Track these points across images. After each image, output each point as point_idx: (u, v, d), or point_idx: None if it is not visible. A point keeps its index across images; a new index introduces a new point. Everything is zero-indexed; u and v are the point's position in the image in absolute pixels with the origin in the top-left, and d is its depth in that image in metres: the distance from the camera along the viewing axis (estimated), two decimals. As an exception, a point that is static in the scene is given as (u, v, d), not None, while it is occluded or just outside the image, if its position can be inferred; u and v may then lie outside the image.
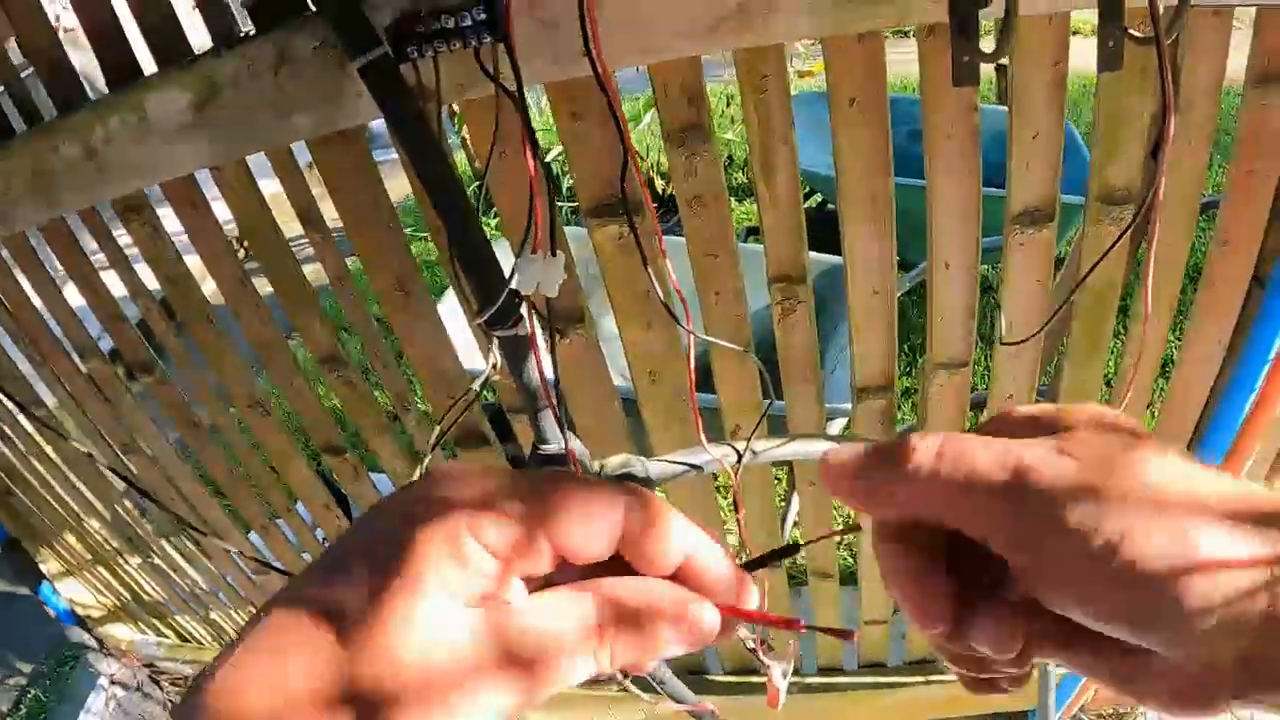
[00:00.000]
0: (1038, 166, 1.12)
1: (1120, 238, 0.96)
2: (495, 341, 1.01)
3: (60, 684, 3.43)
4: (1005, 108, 1.09)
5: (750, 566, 0.44)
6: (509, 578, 0.37)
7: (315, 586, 0.36)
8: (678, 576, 0.41)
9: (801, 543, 0.46)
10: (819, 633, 0.44)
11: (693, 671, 2.17)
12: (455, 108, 4.88)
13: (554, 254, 0.90)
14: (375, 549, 0.37)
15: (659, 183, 5.00)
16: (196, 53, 1.14)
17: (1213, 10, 0.95)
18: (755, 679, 2.16)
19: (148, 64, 1.21)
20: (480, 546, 0.36)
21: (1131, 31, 0.78)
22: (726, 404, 1.45)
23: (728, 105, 6.01)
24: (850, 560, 2.76)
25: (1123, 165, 1.13)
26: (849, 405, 1.49)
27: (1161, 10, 0.73)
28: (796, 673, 2.18)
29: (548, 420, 1.05)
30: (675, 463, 1.20)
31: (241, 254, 1.48)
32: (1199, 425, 1.46)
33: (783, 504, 2.93)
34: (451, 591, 0.35)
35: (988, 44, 0.80)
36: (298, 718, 0.33)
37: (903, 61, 2.31)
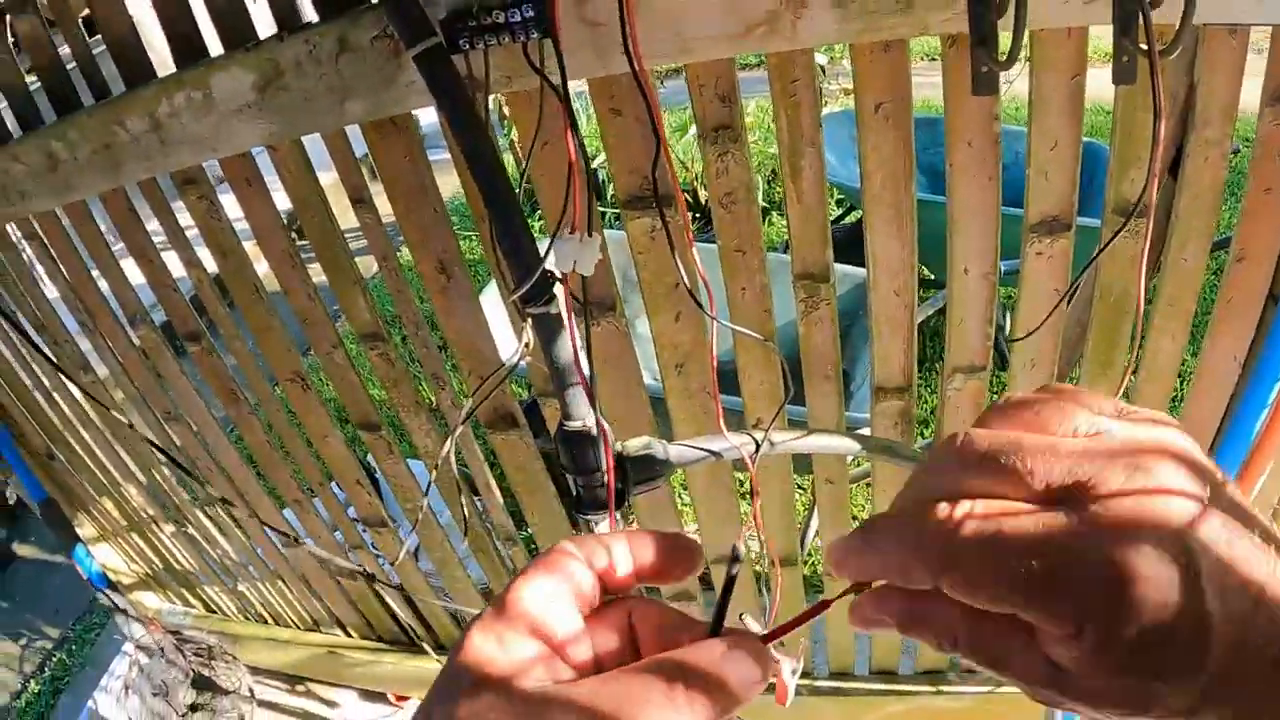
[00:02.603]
0: (1056, 176, 1.17)
1: (1112, 238, 0.99)
2: (529, 320, 1.07)
3: (86, 648, 3.52)
4: (1025, 128, 1.13)
5: (773, 636, 0.44)
6: None
7: None
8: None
9: (830, 599, 0.46)
10: (823, 619, 0.45)
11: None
12: (506, 110, 4.98)
13: (590, 235, 0.96)
14: None
15: (702, 193, 5.06)
16: (261, 37, 1.21)
17: (1228, 30, 0.99)
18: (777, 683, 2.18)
19: (214, 48, 1.28)
20: None
21: (1144, 46, 0.82)
22: (749, 396, 1.50)
23: (772, 120, 6.03)
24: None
25: (1138, 178, 1.16)
26: (869, 416, 1.53)
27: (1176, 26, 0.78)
28: (807, 674, 2.21)
29: (575, 396, 1.11)
30: (694, 448, 1.25)
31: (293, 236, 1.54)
32: (1213, 441, 1.48)
33: (805, 513, 2.96)
34: None
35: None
36: None
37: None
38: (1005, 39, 0.91)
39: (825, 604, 0.45)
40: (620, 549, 0.45)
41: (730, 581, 0.45)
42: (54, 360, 1.79)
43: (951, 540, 0.38)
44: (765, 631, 0.43)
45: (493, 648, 0.41)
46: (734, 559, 0.46)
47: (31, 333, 2.03)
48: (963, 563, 0.38)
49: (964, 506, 0.38)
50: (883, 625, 0.42)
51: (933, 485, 0.41)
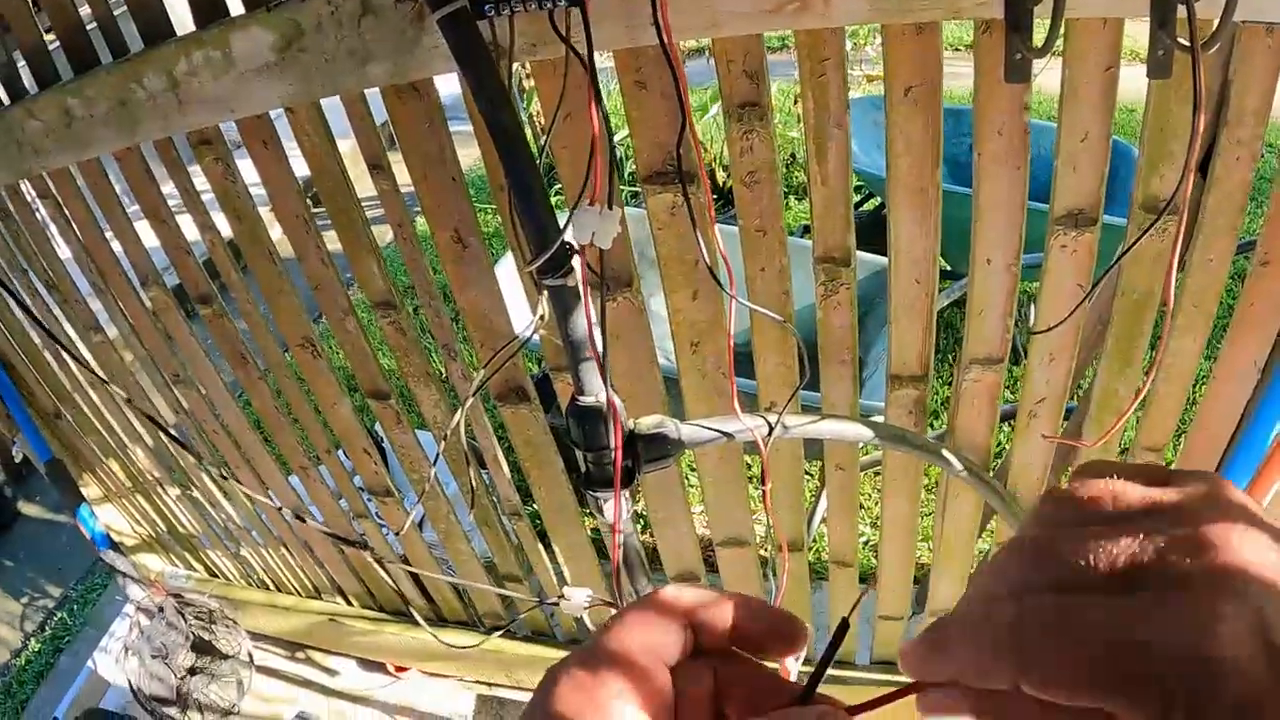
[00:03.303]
0: (1084, 169, 1.15)
1: (1142, 235, 0.98)
2: (545, 292, 1.05)
3: (87, 609, 3.54)
4: (1054, 123, 1.11)
5: (860, 709, 0.42)
6: None
7: None
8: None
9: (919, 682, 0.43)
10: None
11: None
12: (526, 84, 4.99)
13: (610, 208, 0.94)
14: None
15: (720, 174, 5.05)
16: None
17: (1265, 28, 0.97)
18: (768, 664, 2.19)
19: (235, 8, 1.27)
20: None
21: (1181, 40, 0.81)
22: (763, 379, 1.49)
23: (795, 103, 6.02)
24: (872, 560, 2.79)
25: (1168, 175, 1.15)
26: (883, 404, 1.52)
27: (1215, 23, 0.76)
28: (809, 662, 2.21)
29: (588, 372, 1.10)
30: (707, 428, 1.24)
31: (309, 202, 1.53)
32: (1229, 445, 1.47)
33: (813, 499, 2.96)
34: None
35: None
36: None
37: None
38: (1039, 26, 0.90)
39: (917, 685, 0.42)
40: (725, 609, 0.44)
41: (831, 652, 0.44)
42: (48, 330, 1.78)
43: (1024, 638, 0.36)
44: (850, 704, 0.42)
45: (580, 700, 0.40)
46: (842, 630, 0.45)
47: (43, 293, 2.03)
48: (1039, 662, 0.36)
49: (1033, 600, 0.37)
50: (955, 710, 0.41)
51: (996, 584, 0.39)
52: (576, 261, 1.00)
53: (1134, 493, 0.39)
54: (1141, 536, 0.36)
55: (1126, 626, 0.35)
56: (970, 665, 0.38)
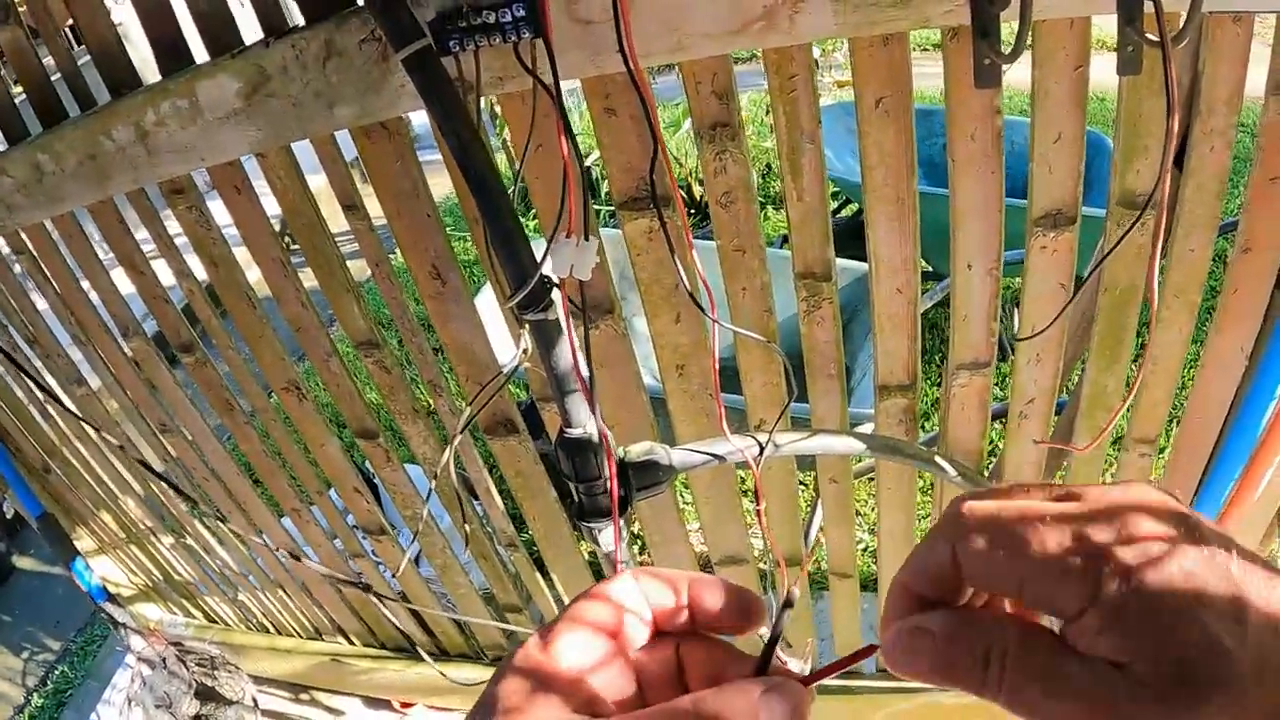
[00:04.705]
0: (1060, 169, 1.14)
1: (1124, 235, 0.97)
2: (526, 326, 1.04)
3: (88, 660, 3.51)
4: (1025, 119, 1.11)
5: (814, 678, 0.44)
6: None
7: None
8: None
9: (876, 645, 0.44)
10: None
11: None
12: (498, 109, 4.99)
13: (586, 239, 0.94)
14: None
15: (697, 189, 5.05)
16: (247, 43, 1.19)
17: (1232, 17, 0.97)
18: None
19: (199, 54, 1.26)
20: None
21: (1150, 35, 0.80)
22: (751, 398, 1.48)
23: (766, 114, 6.03)
24: (871, 565, 2.78)
25: (1144, 169, 1.15)
26: (873, 411, 1.51)
27: (1183, 17, 0.76)
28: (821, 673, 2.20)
29: (575, 404, 1.09)
30: (698, 452, 1.24)
31: (286, 242, 1.52)
32: (1219, 434, 1.46)
33: (808, 510, 2.95)
34: None
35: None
36: None
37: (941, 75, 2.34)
38: (1007, 29, 0.89)
39: (871, 648, 0.44)
40: (682, 590, 0.46)
41: (779, 625, 0.45)
42: (37, 379, 1.77)
43: (965, 513, 0.40)
44: (807, 672, 0.43)
45: (531, 679, 0.41)
46: (787, 605, 0.46)
47: (24, 349, 2.02)
48: (976, 528, 0.39)
49: (976, 503, 0.40)
50: (920, 658, 0.41)
51: (935, 540, 0.41)
52: (557, 295, 0.99)
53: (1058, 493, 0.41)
54: (1077, 519, 0.38)
55: (1061, 511, 0.38)
56: (918, 553, 0.41)
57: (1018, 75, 1.49)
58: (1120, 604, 0.35)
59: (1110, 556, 0.36)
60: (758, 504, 1.34)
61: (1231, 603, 0.35)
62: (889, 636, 0.42)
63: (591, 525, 1.19)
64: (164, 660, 2.66)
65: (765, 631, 0.46)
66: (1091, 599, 0.36)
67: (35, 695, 3.47)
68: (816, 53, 5.61)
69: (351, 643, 2.62)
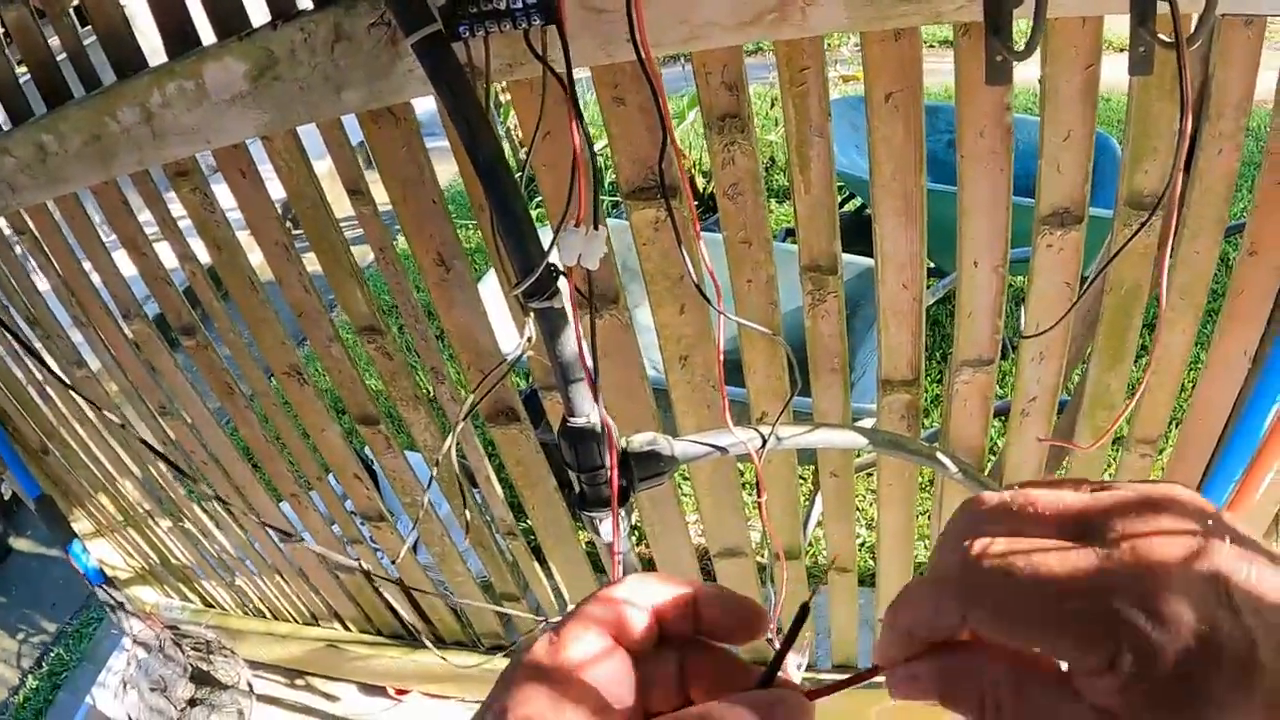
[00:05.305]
0: (1068, 168, 1.14)
1: (1133, 236, 0.97)
2: (532, 315, 1.04)
3: (83, 643, 3.51)
4: (1034, 117, 1.10)
5: (817, 694, 0.43)
6: None
7: None
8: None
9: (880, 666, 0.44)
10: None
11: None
12: (503, 98, 4.98)
13: (595, 228, 0.93)
14: None
15: (700, 180, 5.04)
16: (255, 26, 1.19)
17: (1244, 21, 0.97)
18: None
19: (206, 35, 1.25)
20: None
21: (1162, 36, 0.80)
22: (754, 391, 1.48)
23: (771, 106, 6.02)
24: (870, 561, 2.78)
25: (1152, 170, 1.14)
26: (873, 406, 1.51)
27: (1194, 18, 0.76)
28: (811, 668, 2.20)
29: (579, 393, 1.08)
30: (700, 443, 1.23)
31: (289, 226, 1.52)
32: (1221, 435, 1.46)
33: (807, 504, 2.95)
34: None
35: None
36: None
37: (949, 72, 2.34)
38: (1017, 27, 0.89)
39: (875, 669, 0.43)
40: (686, 598, 0.45)
41: (792, 638, 0.45)
42: (49, 366, 1.77)
43: (972, 574, 0.37)
44: (803, 665, 0.43)
45: (545, 684, 0.41)
46: (801, 617, 0.45)
47: (24, 329, 2.01)
48: (987, 598, 0.37)
49: (983, 543, 0.38)
50: (921, 687, 0.41)
51: (950, 538, 0.40)
52: (563, 283, 0.99)
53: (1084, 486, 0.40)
54: (1093, 503, 0.37)
55: (1078, 569, 0.35)
56: (924, 606, 0.39)
57: (1023, 74, 1.49)
58: (1140, 680, 0.33)
59: (1139, 634, 0.33)
60: (759, 497, 1.34)
61: (1247, 587, 0.34)
62: (890, 682, 0.42)
63: (592, 514, 1.19)
64: (160, 644, 2.66)
65: (773, 638, 0.45)
66: (1111, 664, 0.34)
67: (30, 677, 3.47)
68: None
69: (348, 629, 2.62)
